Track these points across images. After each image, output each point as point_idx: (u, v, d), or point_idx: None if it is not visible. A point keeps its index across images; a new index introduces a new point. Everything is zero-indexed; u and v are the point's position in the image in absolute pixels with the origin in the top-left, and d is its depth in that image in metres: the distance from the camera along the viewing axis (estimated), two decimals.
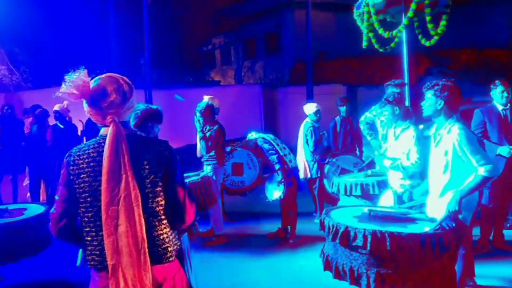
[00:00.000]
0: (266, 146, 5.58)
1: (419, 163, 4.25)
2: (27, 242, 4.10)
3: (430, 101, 3.45)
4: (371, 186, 5.09)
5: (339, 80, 15.12)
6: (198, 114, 5.74)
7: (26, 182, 7.77)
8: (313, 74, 14.52)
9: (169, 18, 19.45)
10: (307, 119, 6.55)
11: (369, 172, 5.50)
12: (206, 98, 6.42)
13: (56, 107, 7.84)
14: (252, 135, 5.77)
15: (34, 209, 4.45)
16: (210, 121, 5.81)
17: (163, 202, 2.05)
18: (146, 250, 1.95)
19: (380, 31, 5.80)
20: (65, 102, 8.00)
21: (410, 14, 5.42)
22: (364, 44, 6.20)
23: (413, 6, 5.32)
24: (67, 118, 8.38)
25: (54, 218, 2.08)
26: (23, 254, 4.13)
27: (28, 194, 7.61)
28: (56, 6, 17.08)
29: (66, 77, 1.99)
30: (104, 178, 1.94)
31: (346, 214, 3.43)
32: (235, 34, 23.39)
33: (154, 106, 3.45)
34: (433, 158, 3.55)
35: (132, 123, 3.19)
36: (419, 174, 4.36)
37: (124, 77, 2.15)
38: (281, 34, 20.82)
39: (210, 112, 5.78)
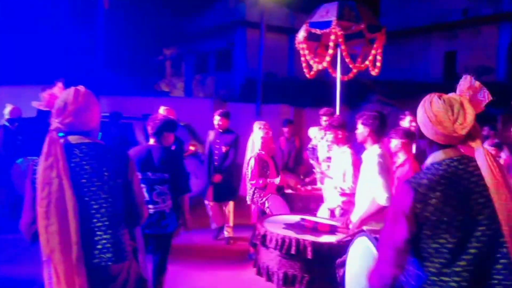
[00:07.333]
0: None
1: (352, 186, 4.46)
2: None
3: (359, 129, 3.83)
4: None
5: (287, 101, 15.52)
6: None
7: None
8: (262, 93, 14.96)
9: (124, 25, 19.28)
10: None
11: (309, 187, 5.93)
12: (162, 110, 6.10)
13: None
14: None
15: None
16: None
17: (121, 205, 2.28)
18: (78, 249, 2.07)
19: (311, 62, 6.35)
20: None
21: (330, 51, 5.99)
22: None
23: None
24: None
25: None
26: None
27: None
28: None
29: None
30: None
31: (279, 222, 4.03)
32: (188, 47, 23.47)
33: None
34: (360, 179, 3.92)
35: (149, 131, 3.75)
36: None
37: (81, 89, 2.31)
38: (233, 51, 21.17)
39: None
